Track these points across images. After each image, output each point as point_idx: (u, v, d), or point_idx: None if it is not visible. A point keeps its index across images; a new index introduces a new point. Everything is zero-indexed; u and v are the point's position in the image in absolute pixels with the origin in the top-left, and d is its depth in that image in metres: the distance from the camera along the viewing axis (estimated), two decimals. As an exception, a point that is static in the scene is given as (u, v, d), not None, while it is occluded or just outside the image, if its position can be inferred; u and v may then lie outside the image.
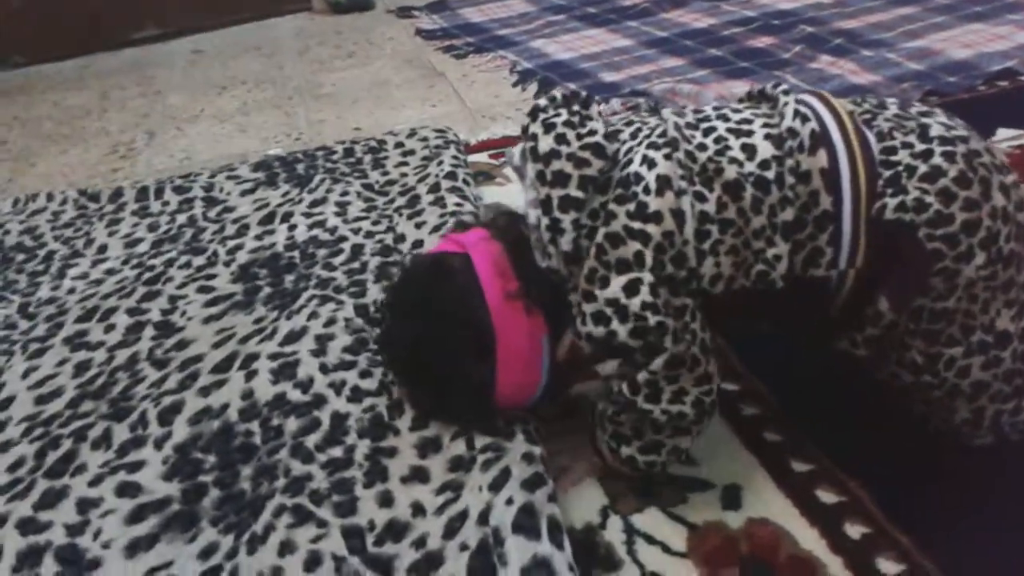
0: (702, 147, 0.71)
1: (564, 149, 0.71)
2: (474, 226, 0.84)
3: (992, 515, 0.73)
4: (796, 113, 0.71)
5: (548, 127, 0.72)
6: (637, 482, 0.79)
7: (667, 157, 0.69)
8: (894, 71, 1.66)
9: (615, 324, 0.68)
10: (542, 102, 0.76)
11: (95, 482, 0.83)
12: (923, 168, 0.68)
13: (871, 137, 0.71)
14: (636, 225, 0.68)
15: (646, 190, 0.68)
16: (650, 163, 0.69)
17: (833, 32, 1.93)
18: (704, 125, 0.74)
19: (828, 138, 0.70)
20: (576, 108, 0.75)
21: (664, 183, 0.68)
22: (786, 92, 0.75)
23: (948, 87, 1.56)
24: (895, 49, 1.78)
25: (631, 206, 0.69)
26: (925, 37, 1.84)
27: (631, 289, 0.68)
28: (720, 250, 0.69)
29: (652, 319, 0.67)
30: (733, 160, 0.70)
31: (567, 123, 0.72)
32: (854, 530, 0.73)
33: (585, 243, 0.71)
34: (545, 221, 0.71)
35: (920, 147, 0.69)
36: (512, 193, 1.37)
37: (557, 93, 0.77)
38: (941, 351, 0.71)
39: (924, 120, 0.72)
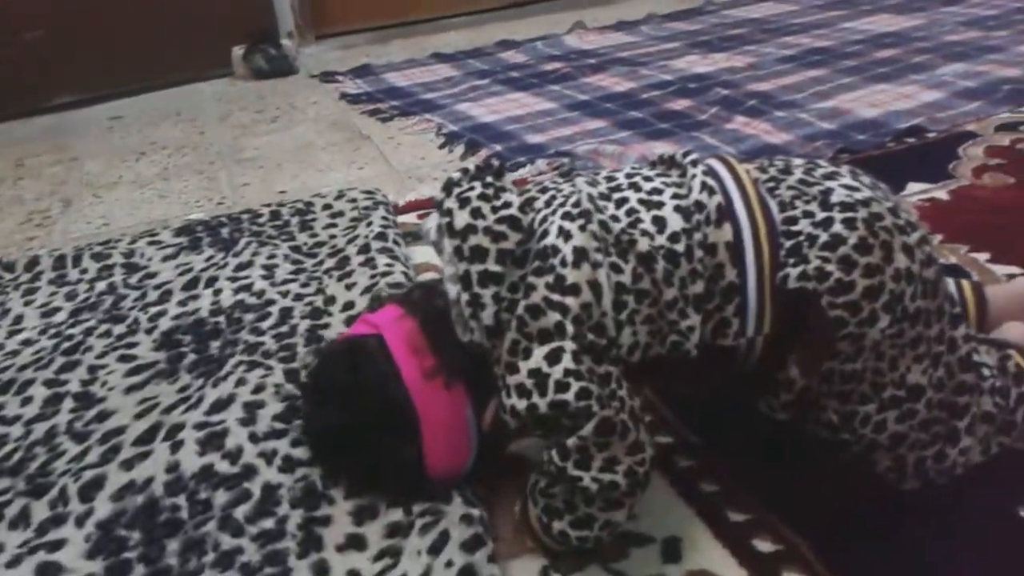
0: (615, 218, 0.72)
1: (480, 223, 0.71)
2: (388, 302, 0.84)
3: (922, 556, 0.74)
4: (703, 186, 0.73)
5: (463, 201, 0.72)
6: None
7: (582, 228, 0.70)
8: (807, 130, 1.73)
9: (535, 397, 0.67)
10: (455, 175, 0.76)
11: (13, 563, 0.79)
12: (824, 237, 0.70)
13: (773, 207, 0.73)
14: (555, 297, 0.68)
15: (563, 263, 0.69)
16: (566, 235, 0.70)
17: (747, 94, 2.00)
18: (616, 196, 0.75)
19: (733, 211, 0.72)
20: (490, 180, 0.75)
21: (580, 255, 0.69)
22: (694, 163, 0.77)
23: (859, 144, 1.63)
24: (806, 109, 1.86)
25: (550, 278, 0.69)
26: (834, 98, 1.92)
27: (553, 358, 0.67)
28: (636, 320, 0.70)
29: (575, 385, 0.66)
30: (645, 232, 0.72)
31: (481, 196, 0.73)
32: (793, 578, 0.73)
33: (506, 316, 0.70)
34: (465, 297, 0.71)
35: (821, 215, 0.71)
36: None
37: (470, 166, 0.77)
38: (855, 409, 0.74)
39: (827, 184, 0.74)
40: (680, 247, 0.71)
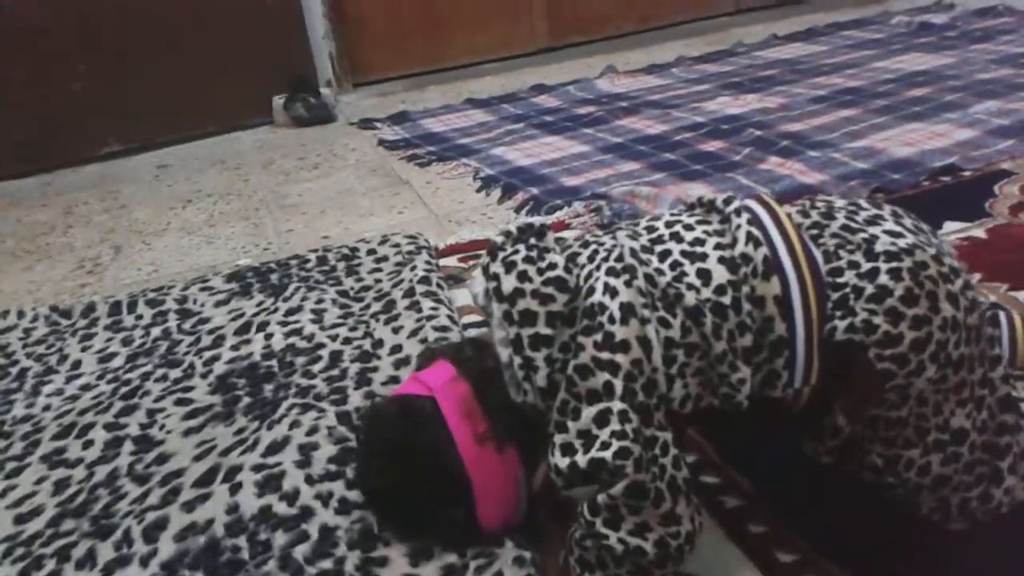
0: (659, 272, 0.73)
1: (527, 287, 0.73)
2: (439, 356, 0.85)
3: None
4: (749, 237, 0.73)
5: (509, 266, 0.74)
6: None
7: (627, 284, 0.71)
8: (840, 170, 1.75)
9: (578, 455, 0.68)
10: (499, 239, 0.78)
11: (81, 603, 0.82)
12: (870, 289, 0.70)
13: (819, 256, 0.74)
14: (604, 356, 0.69)
15: (611, 319, 0.70)
16: (612, 291, 0.71)
17: (780, 135, 2.03)
18: (659, 248, 0.76)
19: (779, 263, 0.73)
20: (533, 242, 0.77)
21: (628, 312, 0.70)
22: (738, 212, 0.76)
23: (894, 184, 1.64)
24: (839, 149, 1.87)
25: (598, 337, 0.70)
26: (868, 137, 1.94)
27: (601, 420, 0.68)
28: (687, 373, 0.71)
29: (616, 444, 0.67)
30: (691, 286, 0.72)
31: (527, 259, 0.74)
32: (843, 617, 0.74)
33: (558, 377, 0.72)
34: (518, 360, 0.72)
35: (866, 266, 0.71)
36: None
37: (513, 227, 0.79)
38: (899, 453, 0.74)
39: (871, 231, 0.74)
40: (727, 300, 0.72)
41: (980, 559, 0.78)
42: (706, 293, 0.72)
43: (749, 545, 0.83)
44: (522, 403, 0.75)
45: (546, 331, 0.72)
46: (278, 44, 2.94)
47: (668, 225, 0.79)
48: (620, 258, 0.74)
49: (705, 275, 0.73)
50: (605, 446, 0.67)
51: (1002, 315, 0.98)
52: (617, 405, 0.68)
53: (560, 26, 3.46)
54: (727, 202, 0.79)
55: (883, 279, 0.70)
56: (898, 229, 0.74)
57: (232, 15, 2.86)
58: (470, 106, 2.82)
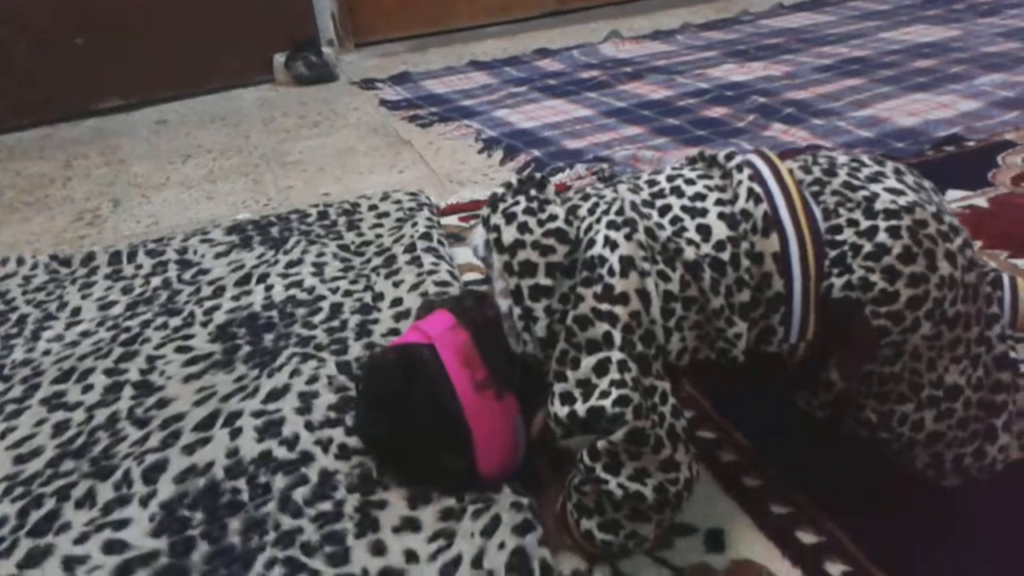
0: (660, 226, 0.74)
1: (528, 238, 0.73)
2: (439, 307, 0.86)
3: (965, 548, 0.76)
4: (749, 193, 0.73)
5: (509, 217, 0.74)
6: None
7: (628, 237, 0.71)
8: (844, 138, 1.74)
9: (577, 404, 0.69)
10: (499, 190, 0.78)
11: (80, 540, 0.82)
12: (868, 247, 0.70)
13: (818, 214, 0.74)
14: (604, 307, 0.69)
15: (611, 272, 0.70)
16: (612, 244, 0.71)
17: (784, 102, 2.02)
18: (659, 203, 0.76)
19: (779, 220, 0.73)
20: (534, 193, 0.77)
21: (628, 264, 0.70)
22: (739, 167, 0.76)
23: (897, 153, 1.64)
24: (844, 117, 1.87)
25: (598, 288, 0.70)
26: (872, 106, 1.93)
27: (600, 369, 0.69)
28: (685, 326, 0.72)
29: (615, 393, 0.67)
30: (690, 241, 0.73)
31: (527, 210, 0.74)
32: (835, 568, 0.75)
33: (558, 327, 0.72)
34: (518, 311, 0.73)
35: (865, 224, 0.71)
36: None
37: (513, 180, 0.79)
38: (893, 409, 0.75)
39: (872, 188, 0.73)
40: (726, 256, 0.72)
41: (974, 515, 0.79)
42: (705, 248, 0.72)
43: (744, 498, 0.84)
44: (521, 353, 0.75)
45: (546, 282, 0.72)
46: (280, 2, 2.91)
47: (670, 179, 0.79)
48: (621, 211, 0.74)
49: (705, 231, 0.73)
50: (604, 395, 0.68)
51: (1005, 277, 0.98)
52: (616, 355, 0.69)
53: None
54: (729, 157, 0.79)
55: (881, 237, 0.70)
56: (899, 187, 0.74)
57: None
58: (473, 68, 2.81)
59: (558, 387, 0.71)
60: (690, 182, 0.77)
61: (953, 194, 1.43)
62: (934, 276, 0.70)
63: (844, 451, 0.85)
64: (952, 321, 0.72)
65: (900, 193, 0.73)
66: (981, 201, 1.41)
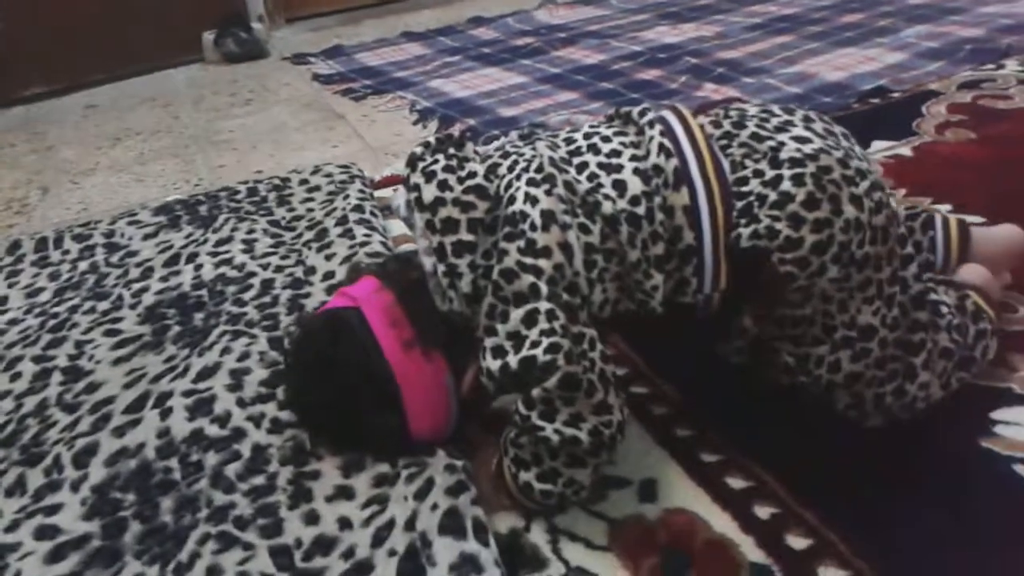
0: (578, 181, 0.75)
1: (448, 195, 0.73)
2: (365, 274, 0.86)
3: (887, 486, 0.78)
4: (660, 148, 0.75)
5: (429, 176, 0.74)
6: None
7: (548, 193, 0.72)
8: (774, 95, 1.76)
9: (509, 356, 0.69)
10: (418, 149, 0.78)
11: (11, 528, 0.81)
12: (772, 196, 0.72)
13: (726, 166, 0.75)
14: (528, 260, 0.70)
15: (532, 227, 0.71)
16: (532, 200, 0.72)
17: (716, 62, 2.03)
18: (576, 160, 0.77)
19: (689, 174, 0.74)
20: (452, 151, 0.77)
21: (549, 218, 0.71)
22: (651, 124, 0.78)
23: (824, 107, 1.66)
24: (774, 75, 1.89)
25: (521, 243, 0.71)
26: (801, 63, 1.95)
27: (529, 320, 0.69)
28: (606, 278, 0.73)
29: (546, 341, 0.68)
30: (607, 196, 0.74)
31: (447, 168, 0.75)
32: (763, 511, 0.77)
33: (483, 282, 0.72)
34: (442, 268, 0.73)
35: (770, 174, 0.73)
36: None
37: (431, 139, 0.79)
38: (808, 351, 0.77)
39: (779, 138, 0.75)
40: (641, 210, 0.73)
41: (897, 454, 0.81)
42: (621, 204, 0.74)
43: (675, 448, 0.85)
44: (448, 311, 0.75)
45: (468, 238, 0.73)
46: (206, -21, 2.85)
47: (586, 137, 0.80)
48: (540, 168, 0.74)
49: (620, 186, 0.74)
50: (535, 345, 0.68)
51: (937, 218, 1.00)
52: (544, 305, 0.69)
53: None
54: (642, 113, 0.80)
55: (785, 186, 0.72)
56: (806, 135, 0.75)
57: (159, -51, 2.77)
58: (406, 40, 2.78)
59: (489, 341, 0.71)
60: (606, 139, 0.79)
61: (878, 144, 1.46)
62: (839, 220, 0.72)
63: (770, 401, 0.87)
64: (860, 263, 0.74)
65: (806, 141, 0.75)
66: (906, 150, 1.44)
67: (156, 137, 2.14)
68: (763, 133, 0.76)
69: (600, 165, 0.76)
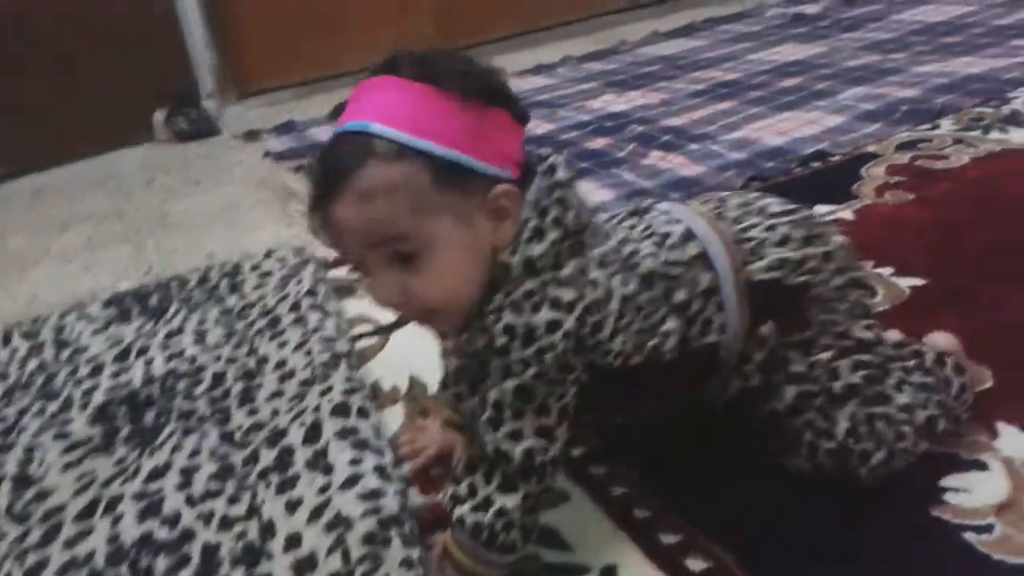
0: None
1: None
2: None
3: (845, 563, 0.78)
4: (667, 219, 0.84)
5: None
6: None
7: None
8: (718, 161, 1.80)
9: (527, 315, 0.73)
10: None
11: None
12: (774, 237, 0.83)
13: (725, 224, 0.84)
14: (581, 278, 0.76)
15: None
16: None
17: (661, 130, 2.07)
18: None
19: (696, 231, 0.83)
20: None
21: (604, 261, 0.78)
22: (648, 209, 0.87)
23: (767, 172, 1.70)
24: (717, 141, 1.93)
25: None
26: (744, 128, 2.00)
27: (551, 327, 0.73)
28: (631, 330, 0.77)
29: (545, 339, 0.73)
30: (646, 255, 0.80)
31: None
32: (723, 594, 0.77)
33: (550, 261, 0.75)
34: (533, 223, 0.75)
35: (767, 222, 0.84)
36: (371, 305, 1.39)
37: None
38: (816, 359, 0.83)
39: (763, 202, 0.87)
40: (662, 268, 0.80)
41: (852, 530, 0.81)
42: (651, 263, 0.80)
43: (634, 530, 0.85)
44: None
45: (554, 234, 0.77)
46: (156, 57, 2.86)
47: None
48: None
49: (645, 251, 0.81)
50: (548, 329, 0.73)
51: None
52: (569, 322, 0.74)
53: (448, 28, 3.44)
54: (644, 208, 0.89)
55: (783, 229, 0.83)
56: (778, 199, 0.89)
57: (107, 30, 2.78)
58: (359, 114, 2.80)
59: (509, 313, 0.74)
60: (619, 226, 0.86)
61: (820, 209, 1.48)
62: (833, 246, 0.85)
63: (733, 483, 0.87)
64: (848, 286, 0.85)
65: (783, 203, 0.88)
66: (847, 214, 1.47)
67: (106, 222, 2.12)
68: (748, 202, 0.88)
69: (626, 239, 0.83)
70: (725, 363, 0.83)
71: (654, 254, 0.81)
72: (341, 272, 1.55)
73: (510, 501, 0.75)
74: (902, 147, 1.73)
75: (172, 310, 1.37)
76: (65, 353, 1.34)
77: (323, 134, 2.59)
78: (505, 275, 0.75)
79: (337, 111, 0.79)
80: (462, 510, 0.76)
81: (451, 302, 0.75)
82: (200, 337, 1.28)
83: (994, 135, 1.71)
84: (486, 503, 0.76)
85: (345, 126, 0.74)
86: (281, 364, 1.16)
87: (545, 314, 0.73)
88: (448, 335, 0.83)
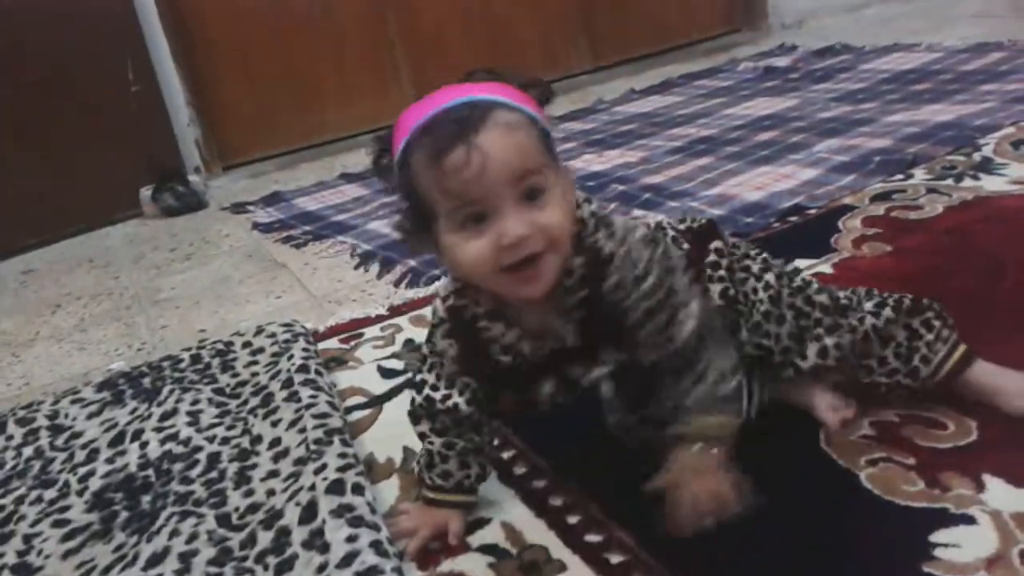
0: None
1: None
2: None
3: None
4: None
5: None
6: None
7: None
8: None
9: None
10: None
11: None
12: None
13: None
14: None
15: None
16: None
17: (641, 188, 2.11)
18: None
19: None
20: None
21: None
22: None
23: (746, 228, 1.73)
24: (696, 197, 1.97)
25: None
26: (722, 184, 2.04)
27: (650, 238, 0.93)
28: None
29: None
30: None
31: None
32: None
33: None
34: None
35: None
36: (364, 375, 1.41)
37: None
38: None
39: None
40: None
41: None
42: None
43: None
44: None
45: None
46: (142, 135, 2.92)
47: None
48: None
49: None
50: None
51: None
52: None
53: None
54: None
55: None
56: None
57: (92, 109, 2.83)
58: (344, 181, 2.84)
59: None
60: None
61: (800, 263, 1.51)
62: None
63: (729, 541, 0.88)
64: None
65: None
66: (826, 267, 1.50)
67: (96, 301, 2.14)
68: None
69: None
70: None
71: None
72: (332, 343, 1.57)
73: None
74: (877, 198, 1.76)
75: (165, 391, 1.38)
76: (60, 439, 1.35)
77: (309, 204, 2.63)
78: (582, 229, 0.88)
79: (382, 142, 0.93)
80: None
81: (565, 240, 0.85)
82: (194, 418, 1.29)
83: (966, 183, 1.74)
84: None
85: (450, 103, 0.83)
86: (275, 443, 1.17)
87: (639, 232, 0.90)
88: (540, 291, 0.86)
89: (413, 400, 1.02)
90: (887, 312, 1.01)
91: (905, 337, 1.00)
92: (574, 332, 0.91)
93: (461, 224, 0.82)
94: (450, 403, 0.98)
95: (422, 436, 1.02)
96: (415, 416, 1.02)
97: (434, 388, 0.99)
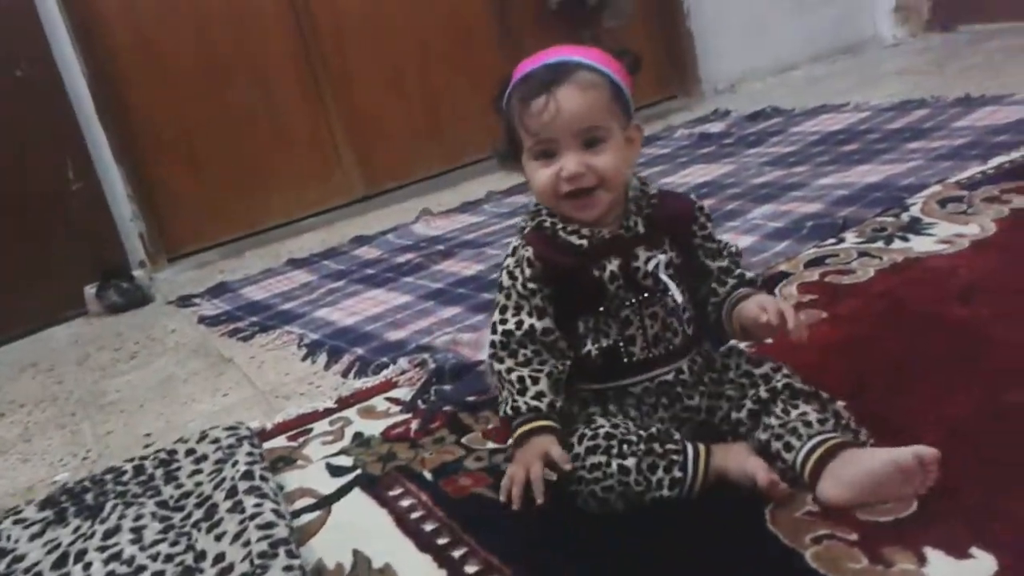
0: None
1: None
2: None
3: None
4: None
5: None
6: None
7: None
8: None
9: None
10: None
11: None
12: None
13: None
14: None
15: None
16: None
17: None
18: None
19: None
20: None
21: None
22: None
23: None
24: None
25: None
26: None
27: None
28: None
29: None
30: None
31: None
32: None
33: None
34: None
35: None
36: (312, 475, 1.40)
37: None
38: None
39: None
40: None
41: None
42: None
43: None
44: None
45: None
46: (85, 232, 2.89)
47: None
48: None
49: None
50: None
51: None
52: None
53: (373, 174, 3.53)
54: None
55: None
56: None
57: (33, 209, 2.81)
58: (291, 267, 2.84)
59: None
60: None
61: (740, 336, 1.53)
62: None
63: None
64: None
65: None
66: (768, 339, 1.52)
67: (40, 408, 2.10)
68: None
69: None
70: None
71: None
72: (280, 441, 1.55)
73: None
74: (811, 263, 1.80)
75: (108, 507, 1.35)
76: (3, 564, 1.31)
77: (256, 293, 2.62)
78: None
79: (503, 82, 1.17)
80: None
81: (616, 180, 1.10)
82: (137, 535, 1.26)
83: (896, 244, 1.79)
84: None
85: (549, 59, 1.10)
86: (219, 558, 1.15)
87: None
88: (594, 216, 1.11)
89: (493, 343, 1.15)
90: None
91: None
92: (642, 224, 1.14)
93: (536, 156, 1.10)
94: (526, 326, 1.12)
95: (508, 371, 1.12)
96: (497, 357, 1.14)
97: (511, 319, 1.13)
